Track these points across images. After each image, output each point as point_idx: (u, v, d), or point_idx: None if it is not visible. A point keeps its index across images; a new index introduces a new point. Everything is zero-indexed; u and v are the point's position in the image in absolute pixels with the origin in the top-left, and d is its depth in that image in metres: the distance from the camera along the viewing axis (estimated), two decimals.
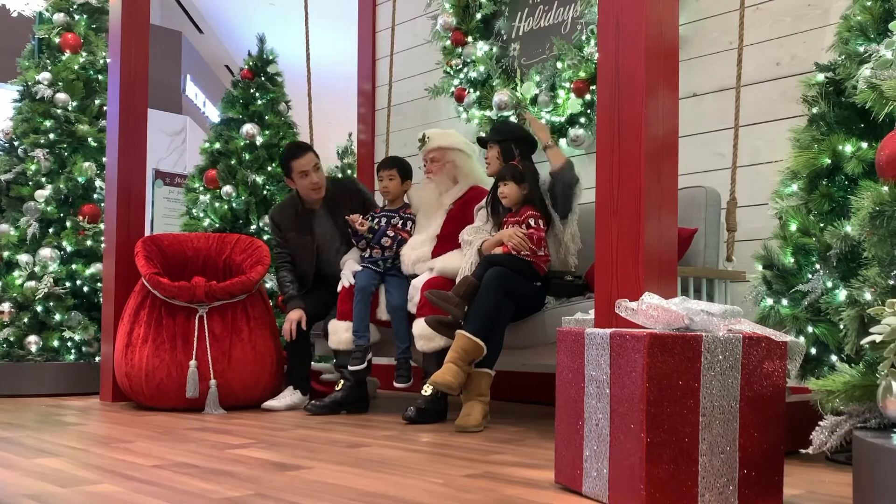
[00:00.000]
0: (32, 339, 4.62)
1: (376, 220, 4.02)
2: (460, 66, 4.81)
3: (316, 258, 4.15)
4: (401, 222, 4.00)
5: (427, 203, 3.96)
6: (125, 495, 1.90)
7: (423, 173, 4.00)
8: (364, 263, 3.94)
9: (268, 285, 5.06)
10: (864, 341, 1.73)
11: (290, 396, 4.00)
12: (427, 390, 3.48)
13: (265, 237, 5.15)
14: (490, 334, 3.22)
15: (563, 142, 4.34)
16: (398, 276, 3.86)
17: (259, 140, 5.25)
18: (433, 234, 3.84)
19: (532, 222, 3.34)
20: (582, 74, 4.14)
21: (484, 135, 3.83)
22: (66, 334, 4.70)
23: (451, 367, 3.15)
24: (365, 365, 3.73)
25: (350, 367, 3.74)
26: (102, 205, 4.83)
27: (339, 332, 3.81)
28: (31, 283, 4.69)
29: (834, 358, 2.44)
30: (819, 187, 2.52)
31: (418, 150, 3.98)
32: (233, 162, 5.19)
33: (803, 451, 1.95)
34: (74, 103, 5.04)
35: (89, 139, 5.03)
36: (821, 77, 2.62)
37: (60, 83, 5.02)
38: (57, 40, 5.11)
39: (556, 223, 3.46)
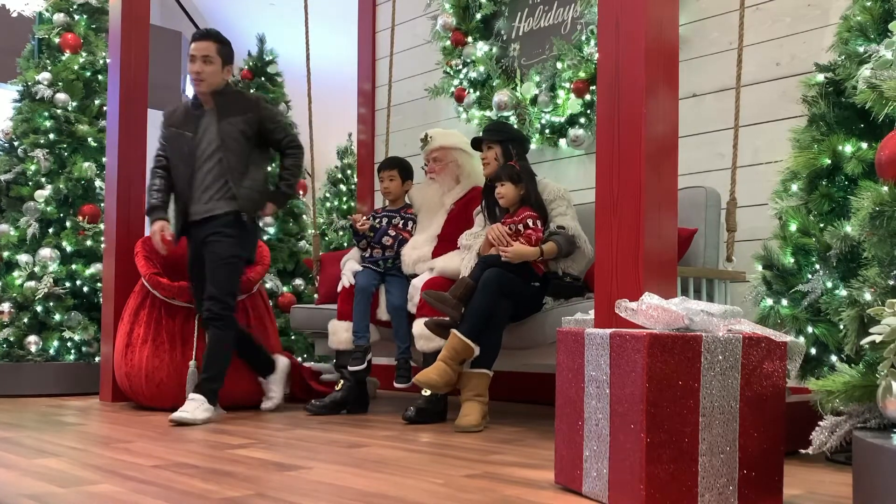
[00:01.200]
0: (32, 339, 4.62)
1: (377, 220, 4.02)
2: (460, 66, 4.81)
3: (192, 158, 3.68)
4: (402, 222, 4.01)
5: (429, 203, 3.96)
6: (125, 495, 1.90)
7: (426, 173, 4.00)
8: (364, 263, 3.94)
9: (268, 285, 5.06)
10: (864, 341, 1.73)
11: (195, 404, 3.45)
12: (427, 391, 3.48)
13: (265, 237, 5.16)
14: (485, 335, 3.22)
15: (562, 142, 4.34)
16: (398, 276, 3.86)
17: None
18: (434, 233, 3.84)
19: (530, 223, 3.33)
20: (582, 74, 4.14)
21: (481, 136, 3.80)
22: (66, 334, 4.69)
23: (439, 366, 3.16)
24: (365, 365, 3.73)
25: (350, 368, 3.74)
26: (102, 205, 4.83)
27: (339, 332, 3.81)
28: (31, 283, 4.69)
29: (834, 358, 2.44)
30: (819, 187, 2.52)
31: (420, 150, 3.98)
32: None
33: (803, 451, 1.95)
34: (74, 103, 5.04)
35: (89, 139, 5.03)
36: (821, 77, 2.62)
37: (60, 83, 5.02)
38: (57, 40, 5.11)
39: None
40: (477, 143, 3.72)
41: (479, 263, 3.33)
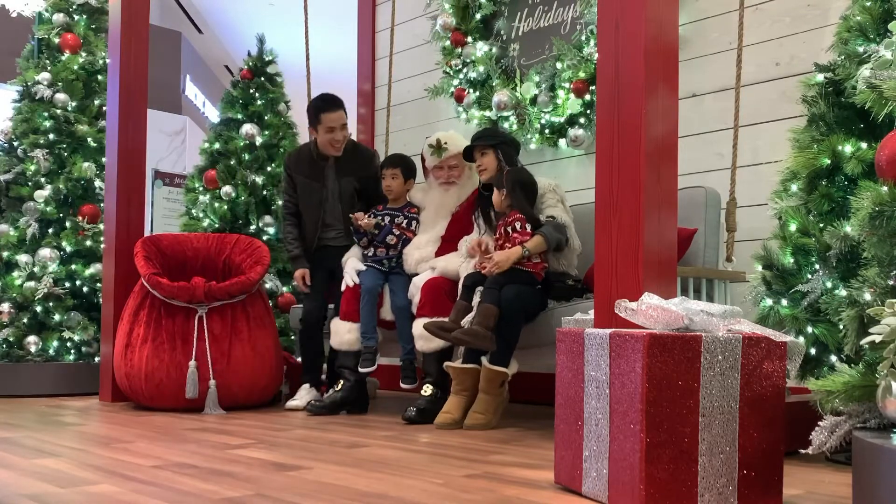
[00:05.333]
0: (32, 339, 4.62)
1: (380, 218, 3.99)
2: (460, 66, 4.81)
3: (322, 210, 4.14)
4: (405, 221, 3.97)
5: (437, 205, 3.88)
6: (125, 495, 1.90)
7: (442, 179, 3.87)
8: (368, 262, 3.92)
9: (267, 285, 5.06)
10: (864, 341, 1.73)
11: (307, 395, 4.01)
12: (427, 390, 3.48)
13: (265, 237, 5.15)
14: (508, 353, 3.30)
15: (562, 142, 4.34)
16: (402, 276, 3.82)
17: (259, 140, 5.25)
18: (438, 234, 3.81)
19: (518, 226, 3.34)
20: (582, 74, 4.14)
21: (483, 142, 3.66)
22: (66, 334, 4.69)
23: (484, 400, 3.23)
24: (375, 367, 3.73)
25: (360, 370, 3.72)
26: (102, 205, 4.83)
27: (342, 333, 3.77)
28: (31, 284, 4.69)
29: (833, 358, 2.44)
30: (819, 187, 2.52)
31: (428, 154, 3.86)
32: (232, 162, 5.19)
33: (803, 451, 1.95)
34: (74, 103, 5.04)
35: (89, 139, 5.03)
36: (820, 77, 2.62)
37: (60, 83, 5.02)
38: (56, 40, 5.11)
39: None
40: (469, 151, 3.66)
41: (490, 285, 3.27)
